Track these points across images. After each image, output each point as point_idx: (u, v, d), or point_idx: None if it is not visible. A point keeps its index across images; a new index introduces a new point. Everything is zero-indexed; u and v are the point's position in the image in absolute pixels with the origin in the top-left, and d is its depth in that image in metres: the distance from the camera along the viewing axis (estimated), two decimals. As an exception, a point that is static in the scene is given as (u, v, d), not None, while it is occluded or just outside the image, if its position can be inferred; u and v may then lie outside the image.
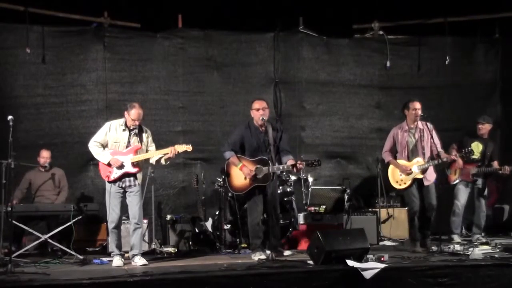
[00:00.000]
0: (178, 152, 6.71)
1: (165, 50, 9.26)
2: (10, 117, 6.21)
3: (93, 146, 6.72)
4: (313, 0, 9.47)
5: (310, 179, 8.54)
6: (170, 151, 6.65)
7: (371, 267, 5.80)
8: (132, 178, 6.70)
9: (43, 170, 8.14)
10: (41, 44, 8.77)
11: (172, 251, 7.59)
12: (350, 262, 5.85)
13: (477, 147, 8.07)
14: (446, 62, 9.83)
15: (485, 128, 8.19)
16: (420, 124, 7.26)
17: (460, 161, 8.00)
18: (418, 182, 7.19)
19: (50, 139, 8.77)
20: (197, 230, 7.93)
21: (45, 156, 8.13)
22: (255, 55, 9.57)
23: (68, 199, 8.16)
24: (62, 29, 8.91)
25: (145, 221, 7.90)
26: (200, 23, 9.35)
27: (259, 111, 6.89)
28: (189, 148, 6.77)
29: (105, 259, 6.91)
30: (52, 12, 8.89)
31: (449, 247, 6.92)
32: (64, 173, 8.28)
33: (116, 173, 6.63)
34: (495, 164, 8.13)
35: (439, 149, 7.19)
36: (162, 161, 6.77)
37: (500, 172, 8.01)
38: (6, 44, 8.71)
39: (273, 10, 9.35)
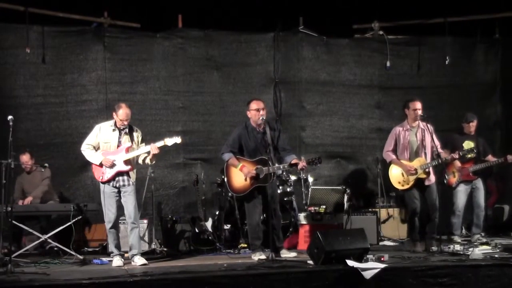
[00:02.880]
0: (167, 145, 6.72)
1: (165, 50, 9.25)
2: (10, 117, 6.22)
3: (85, 149, 6.79)
4: (313, 0, 9.46)
5: (310, 179, 8.54)
6: (151, 148, 6.65)
7: (371, 267, 5.81)
8: (125, 177, 6.71)
9: (27, 172, 8.10)
10: (41, 44, 8.77)
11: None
12: (350, 262, 5.85)
13: (468, 145, 8.04)
14: (446, 62, 9.83)
15: (474, 125, 8.19)
16: (421, 124, 7.27)
17: (457, 162, 7.99)
18: (419, 183, 7.19)
19: (50, 139, 8.78)
20: (197, 230, 7.93)
21: (24, 161, 7.96)
22: (255, 55, 9.57)
23: (49, 193, 8.07)
24: (62, 29, 8.91)
25: (145, 221, 7.91)
26: (200, 23, 9.35)
27: (259, 112, 6.88)
28: (178, 140, 6.76)
29: (105, 259, 6.92)
30: (52, 12, 8.89)
31: (449, 247, 6.92)
32: (49, 171, 8.07)
33: (109, 173, 6.66)
34: (490, 157, 8.13)
35: (440, 149, 7.20)
36: (147, 161, 6.78)
37: (501, 162, 7.98)
38: (6, 44, 8.71)
39: (273, 10, 9.36)
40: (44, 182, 8.10)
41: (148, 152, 6.70)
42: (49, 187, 8.14)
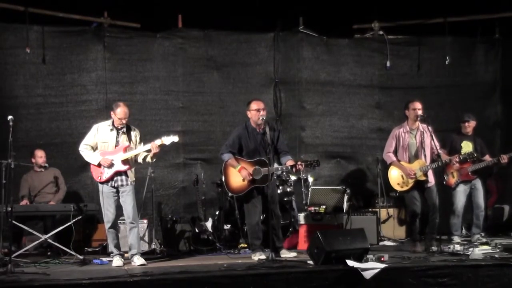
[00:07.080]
0: (164, 144, 6.70)
1: (165, 50, 9.25)
2: (10, 117, 6.22)
3: (84, 150, 6.78)
4: (313, 0, 9.46)
5: (310, 179, 8.55)
6: (151, 147, 6.63)
7: (371, 267, 5.81)
8: (124, 177, 6.70)
9: (41, 170, 8.10)
10: (41, 44, 8.77)
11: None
12: (350, 262, 5.85)
13: (467, 146, 8.06)
14: (446, 62, 9.83)
15: (471, 125, 8.19)
16: (420, 126, 7.27)
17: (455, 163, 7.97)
18: (419, 185, 7.19)
19: (50, 139, 8.77)
20: (197, 230, 7.93)
21: (41, 155, 8.08)
22: (255, 55, 9.57)
23: (63, 198, 8.14)
24: (62, 29, 8.91)
25: (145, 221, 7.91)
26: (200, 23, 9.35)
27: (260, 112, 6.88)
28: (175, 138, 6.73)
29: (105, 259, 6.91)
30: (52, 12, 8.88)
31: (449, 247, 6.92)
32: (60, 172, 8.27)
33: (107, 173, 6.65)
34: (487, 157, 8.10)
35: (439, 150, 7.20)
36: (148, 159, 6.76)
37: (495, 162, 7.94)
38: (6, 44, 8.71)
39: (273, 10, 9.35)
40: (62, 186, 8.20)
41: (149, 151, 6.68)
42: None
